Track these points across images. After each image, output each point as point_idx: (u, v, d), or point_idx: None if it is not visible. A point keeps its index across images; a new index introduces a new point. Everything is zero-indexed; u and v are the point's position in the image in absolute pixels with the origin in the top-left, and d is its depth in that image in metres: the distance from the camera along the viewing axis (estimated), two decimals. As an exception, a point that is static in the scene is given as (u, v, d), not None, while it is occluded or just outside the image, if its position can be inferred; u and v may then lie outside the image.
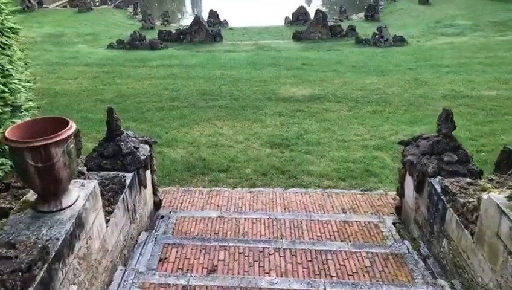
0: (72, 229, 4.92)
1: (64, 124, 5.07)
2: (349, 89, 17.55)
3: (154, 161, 8.65)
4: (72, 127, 5.01)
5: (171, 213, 8.81)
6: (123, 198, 6.81)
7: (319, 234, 7.99)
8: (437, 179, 6.96)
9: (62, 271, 4.64)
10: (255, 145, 12.70)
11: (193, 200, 9.59)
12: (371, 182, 10.49)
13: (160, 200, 8.95)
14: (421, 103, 15.85)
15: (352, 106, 15.71)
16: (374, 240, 7.78)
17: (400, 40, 26.44)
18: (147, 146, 8.16)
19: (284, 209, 9.17)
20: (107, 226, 6.07)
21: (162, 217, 8.72)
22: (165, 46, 27.50)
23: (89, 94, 17.79)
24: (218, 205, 9.33)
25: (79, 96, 17.51)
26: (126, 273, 6.39)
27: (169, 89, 18.05)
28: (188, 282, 6.23)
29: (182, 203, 9.47)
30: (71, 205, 5.22)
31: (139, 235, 7.65)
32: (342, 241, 7.70)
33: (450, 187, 6.49)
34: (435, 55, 23.01)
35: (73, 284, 4.94)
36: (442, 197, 6.56)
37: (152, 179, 8.65)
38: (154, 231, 8.09)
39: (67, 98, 17.35)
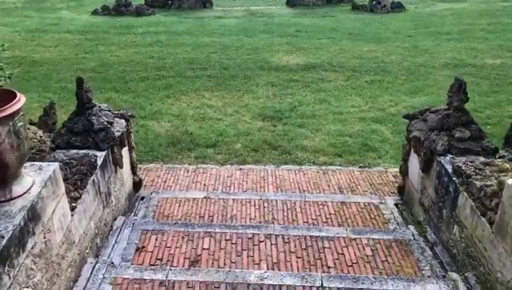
0: (23, 223, 4.12)
1: (11, 96, 4.18)
2: (345, 58, 16.63)
3: (132, 137, 7.81)
4: (20, 100, 4.12)
5: (153, 194, 8.03)
6: (93, 180, 6.00)
7: (314, 217, 7.25)
8: (447, 158, 6.20)
9: (9, 275, 3.86)
10: (245, 118, 11.85)
11: (177, 179, 8.80)
12: (369, 158, 9.74)
13: (140, 180, 8.15)
14: (421, 72, 14.99)
15: (349, 75, 14.83)
16: (375, 223, 7.07)
17: (397, 6, 25.36)
18: (122, 121, 7.30)
19: (276, 188, 8.42)
20: (72, 215, 5.28)
21: (143, 198, 7.93)
22: (152, 12, 26.23)
23: (69, 63, 16.74)
24: (204, 185, 8.56)
25: (59, 65, 16.46)
26: (97, 266, 5.65)
27: (155, 58, 17.02)
28: (166, 277, 5.50)
29: (165, 182, 8.68)
30: (24, 194, 4.40)
31: (115, 220, 6.88)
32: (339, 225, 6.98)
33: (463, 168, 5.73)
34: (434, 22, 22.03)
35: (26, 287, 4.17)
36: (453, 178, 5.81)
37: (130, 157, 7.83)
38: (132, 214, 7.32)
39: (46, 67, 16.29)
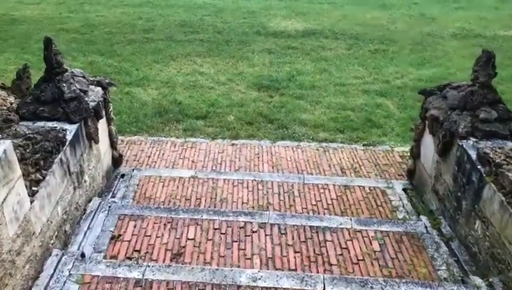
0: (-42, 219, 3.29)
1: None
2: (348, 24, 15.57)
3: (111, 108, 6.90)
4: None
5: (134, 171, 7.19)
6: (61, 159, 5.15)
7: (314, 203, 6.48)
8: (470, 142, 5.40)
9: None
10: (239, 87, 10.93)
11: (163, 154, 7.97)
12: (374, 135, 8.92)
13: (121, 156, 7.30)
14: (428, 42, 14.03)
15: (352, 43, 13.84)
16: (382, 212, 6.32)
17: (403, -29, 23.97)
18: (99, 89, 6.38)
19: (272, 167, 7.61)
20: (32, 201, 4.45)
21: (123, 176, 7.11)
22: (143, -30, 24.66)
23: (51, 22, 15.54)
24: (192, 161, 7.73)
25: (40, 25, 15.27)
26: (63, 260, 4.87)
27: (143, 19, 15.86)
28: (143, 275, 4.73)
29: (149, 157, 7.84)
30: (-37, 180, 3.56)
31: (90, 201, 6.06)
32: (342, 213, 6.23)
33: (491, 155, 4.94)
34: (441, -11, 20.84)
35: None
36: (478, 167, 5.03)
37: (109, 130, 6.95)
38: (110, 195, 6.50)
39: (26, 26, 15.10)
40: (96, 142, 6.19)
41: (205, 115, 9.51)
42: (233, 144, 8.37)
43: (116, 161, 7.20)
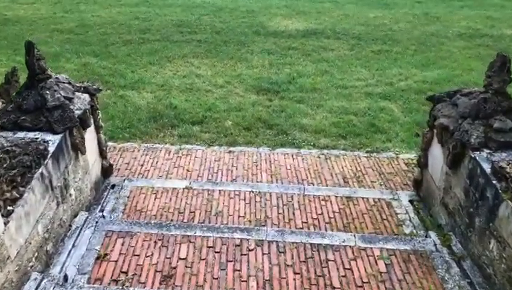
0: None
1: None
2: (350, 24, 15.17)
3: (100, 115, 6.51)
4: None
5: (125, 182, 6.82)
6: (42, 174, 4.77)
7: (315, 216, 6.10)
8: (484, 154, 5.01)
9: None
10: (237, 90, 10.54)
11: (157, 162, 7.59)
12: (377, 141, 8.52)
13: (111, 165, 6.92)
14: (433, 42, 13.60)
15: (354, 44, 13.43)
16: (387, 226, 5.93)
17: (405, -31, 23.52)
18: (85, 96, 5.99)
19: (271, 176, 7.23)
20: (6, 223, 4.07)
21: (113, 186, 6.73)
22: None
23: (45, 22, 15.16)
24: (187, 170, 7.35)
25: (33, 25, 14.90)
26: (42, 284, 4.49)
27: (140, 19, 15.47)
28: (128, 302, 4.36)
29: (142, 166, 7.47)
30: None
31: (76, 216, 5.68)
32: (345, 227, 5.84)
33: (508, 169, 4.54)
34: (445, -13, 20.40)
35: None
36: (493, 182, 4.63)
37: (98, 139, 6.57)
38: (98, 208, 6.12)
39: (19, 26, 14.74)
40: (83, 152, 5.80)
41: (201, 120, 9.12)
42: (230, 152, 7.99)
43: (106, 170, 6.82)
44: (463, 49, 12.92)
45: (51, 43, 13.01)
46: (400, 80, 11.14)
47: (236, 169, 7.47)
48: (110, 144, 8.16)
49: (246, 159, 7.75)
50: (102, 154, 6.70)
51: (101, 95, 10.38)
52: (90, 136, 6.19)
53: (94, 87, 6.19)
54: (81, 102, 5.80)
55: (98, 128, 6.48)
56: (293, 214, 6.13)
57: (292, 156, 7.87)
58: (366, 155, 7.95)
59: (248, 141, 8.41)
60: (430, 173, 6.21)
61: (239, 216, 6.07)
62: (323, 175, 7.30)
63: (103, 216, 5.89)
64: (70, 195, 5.56)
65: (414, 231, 5.81)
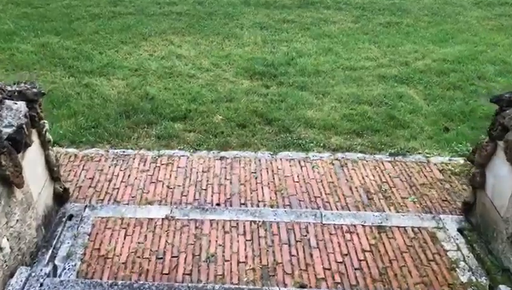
0: None
1: None
2: (351, -9, 13.36)
3: (46, 126, 4.80)
4: None
5: (87, 210, 5.21)
6: None
7: (340, 259, 4.60)
8: None
9: None
10: (227, 74, 8.84)
11: (129, 176, 6.02)
12: (400, 139, 7.00)
13: (66, 189, 5.27)
14: (447, 12, 11.94)
15: (358, 15, 11.70)
16: (437, 272, 4.47)
17: None
18: (21, 105, 4.27)
19: (275, 193, 5.72)
20: None
21: (71, 217, 5.12)
22: None
23: (-1, -8, 13.04)
24: (168, 187, 5.80)
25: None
26: None
27: (110, -12, 13.44)
28: None
29: (110, 182, 5.89)
30: None
31: (12, 276, 4.07)
32: (382, 276, 4.37)
33: None
34: None
35: None
36: None
37: (46, 158, 4.89)
38: (49, 252, 4.53)
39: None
40: (19, 185, 4.14)
41: (185, 114, 7.48)
42: (221, 158, 6.43)
43: (61, 196, 5.18)
44: (482, 20, 11.31)
45: (4, 18, 11.00)
46: (416, 58, 9.54)
47: (231, 183, 5.92)
48: (70, 151, 6.55)
49: (242, 169, 6.20)
50: (54, 176, 5.04)
51: (62, 84, 8.77)
52: (33, 157, 4.52)
53: (35, 90, 4.46)
54: (12, 115, 4.09)
55: (44, 145, 4.80)
56: (311, 256, 4.62)
57: (299, 162, 6.34)
58: (389, 159, 6.45)
59: (243, 143, 6.82)
60: (490, 197, 4.70)
61: (239, 262, 4.55)
62: (340, 189, 5.80)
63: (54, 269, 4.29)
64: (1, 249, 3.93)
65: (473, 279, 4.36)
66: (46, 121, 4.78)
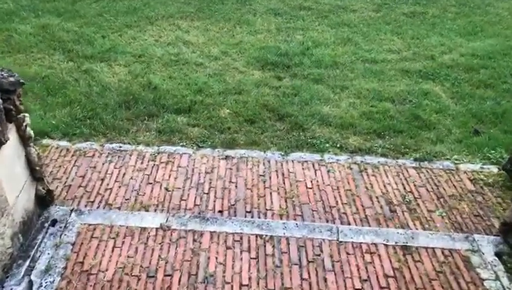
0: None
1: None
2: (372, -23, 12.55)
3: (27, 121, 4.19)
4: None
5: (72, 215, 4.63)
6: None
7: (359, 286, 3.97)
8: None
9: None
10: (237, 63, 8.17)
11: (124, 175, 5.45)
12: (426, 142, 6.31)
13: (50, 191, 4.68)
14: (477, 2, 11.11)
15: (380, 3, 10.92)
16: (473, 305, 3.83)
17: None
18: (-7, 96, 3.68)
19: (285, 201, 5.09)
20: None
21: (54, 222, 4.54)
22: None
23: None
24: (166, 189, 5.21)
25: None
26: None
27: (117, -32, 12.77)
28: None
29: (102, 181, 5.31)
30: None
31: (-22, 294, 3.52)
32: (408, 310, 3.73)
33: None
34: None
35: None
36: None
37: (26, 156, 4.30)
38: (26, 263, 3.96)
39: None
40: (-11, 191, 3.56)
41: (189, 107, 6.84)
42: (227, 157, 5.82)
43: (43, 199, 4.60)
44: (515, 12, 10.50)
45: (4, -3, 10.41)
46: (442, 52, 8.77)
47: (236, 187, 5.31)
48: (61, 144, 5.97)
49: (249, 171, 5.58)
50: (36, 176, 4.45)
51: (60, 69, 8.17)
52: (9, 155, 3.94)
53: (11, 80, 3.85)
54: (-19, 108, 3.49)
55: (25, 141, 4.21)
56: (325, 280, 4.00)
57: (313, 165, 5.71)
58: (414, 165, 5.79)
59: (251, 141, 6.18)
60: (538, 219, 4.03)
61: (241, 285, 3.94)
62: (359, 199, 5.16)
63: (29, 285, 3.73)
64: (-36, 266, 3.36)
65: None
66: (27, 115, 4.18)
